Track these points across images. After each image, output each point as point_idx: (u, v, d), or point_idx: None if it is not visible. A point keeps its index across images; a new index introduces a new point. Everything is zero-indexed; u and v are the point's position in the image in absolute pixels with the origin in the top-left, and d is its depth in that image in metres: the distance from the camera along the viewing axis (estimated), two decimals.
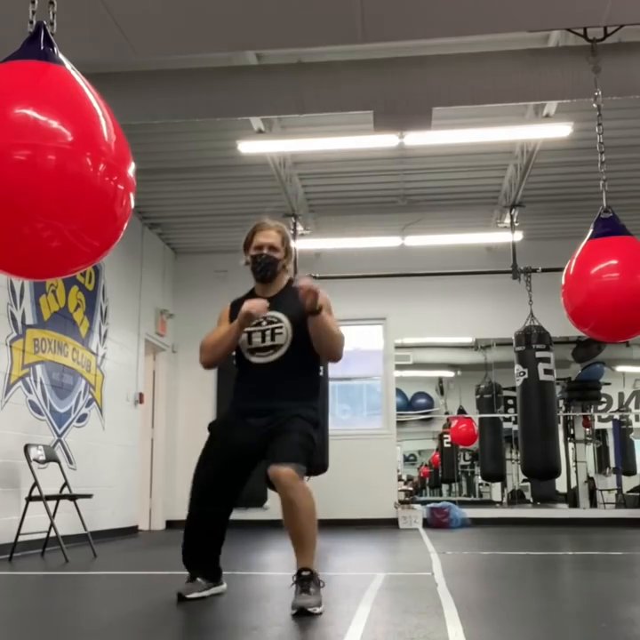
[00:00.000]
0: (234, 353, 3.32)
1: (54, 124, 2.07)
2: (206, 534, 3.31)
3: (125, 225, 2.27)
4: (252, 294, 3.41)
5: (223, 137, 6.64)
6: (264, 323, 3.21)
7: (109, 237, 2.25)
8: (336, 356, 3.22)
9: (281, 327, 3.20)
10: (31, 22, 2.33)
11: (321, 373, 3.43)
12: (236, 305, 3.35)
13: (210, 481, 3.25)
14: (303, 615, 2.86)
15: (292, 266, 3.46)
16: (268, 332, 3.21)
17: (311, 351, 3.21)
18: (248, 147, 6.42)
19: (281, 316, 3.22)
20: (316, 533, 3.03)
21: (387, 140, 6.22)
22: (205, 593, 3.28)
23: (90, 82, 2.29)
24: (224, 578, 3.46)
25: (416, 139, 6.28)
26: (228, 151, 6.77)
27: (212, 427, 3.39)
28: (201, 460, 3.30)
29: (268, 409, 3.16)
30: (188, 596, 3.20)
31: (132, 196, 2.24)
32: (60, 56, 2.28)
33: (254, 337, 3.22)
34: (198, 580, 3.28)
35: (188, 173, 7.55)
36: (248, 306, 3.17)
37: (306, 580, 2.97)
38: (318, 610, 2.90)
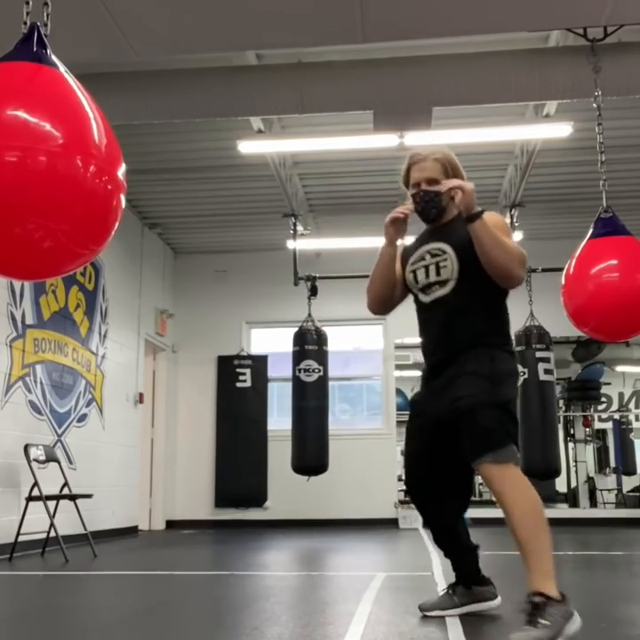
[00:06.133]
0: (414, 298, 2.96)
1: (45, 126, 2.08)
2: (439, 535, 2.96)
3: (116, 225, 2.28)
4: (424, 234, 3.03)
5: (223, 137, 6.64)
6: (428, 257, 2.84)
7: (100, 238, 2.27)
8: (509, 275, 2.68)
9: (446, 259, 2.78)
10: (25, 23, 2.32)
11: (506, 313, 2.84)
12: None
13: (411, 472, 2.89)
14: None
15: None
16: (431, 267, 2.81)
17: (489, 285, 2.71)
18: (248, 147, 6.42)
19: (445, 246, 2.80)
20: (546, 540, 2.39)
21: (387, 140, 6.21)
22: (453, 611, 2.83)
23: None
24: (492, 591, 2.96)
25: (416, 139, 6.26)
26: (228, 151, 6.77)
27: (411, 400, 3.03)
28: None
29: (442, 363, 2.74)
30: (427, 613, 2.84)
31: (122, 197, 2.26)
32: (54, 58, 2.27)
33: (419, 274, 2.86)
34: (450, 592, 2.91)
35: (188, 173, 7.55)
36: (390, 215, 2.96)
37: (534, 607, 2.26)
38: None
